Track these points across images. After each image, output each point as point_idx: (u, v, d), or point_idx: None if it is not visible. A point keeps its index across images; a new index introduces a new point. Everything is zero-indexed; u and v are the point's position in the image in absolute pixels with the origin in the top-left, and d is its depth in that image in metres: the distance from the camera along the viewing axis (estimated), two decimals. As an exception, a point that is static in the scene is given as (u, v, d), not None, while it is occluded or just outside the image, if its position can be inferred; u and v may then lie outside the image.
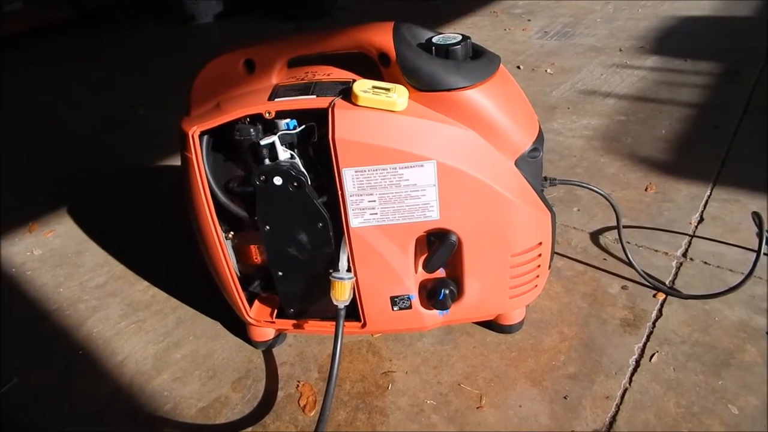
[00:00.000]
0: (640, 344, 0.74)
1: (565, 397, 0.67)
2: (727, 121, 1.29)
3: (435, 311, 0.70)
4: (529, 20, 2.27)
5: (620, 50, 1.83)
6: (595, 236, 0.96)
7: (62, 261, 1.03)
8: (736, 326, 0.75)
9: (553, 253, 0.73)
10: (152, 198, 1.22)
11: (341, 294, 0.64)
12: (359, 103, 0.57)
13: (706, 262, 0.87)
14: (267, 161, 0.61)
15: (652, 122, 1.33)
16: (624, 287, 0.84)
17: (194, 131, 0.61)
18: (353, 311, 0.69)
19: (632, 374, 0.69)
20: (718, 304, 0.78)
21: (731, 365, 0.69)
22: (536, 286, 0.72)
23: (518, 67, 1.76)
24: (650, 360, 0.71)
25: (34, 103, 1.90)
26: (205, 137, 0.62)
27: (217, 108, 0.62)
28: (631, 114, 1.38)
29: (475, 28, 2.24)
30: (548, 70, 1.72)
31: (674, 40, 1.88)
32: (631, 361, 0.71)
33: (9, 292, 0.97)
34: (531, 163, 0.63)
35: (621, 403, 0.66)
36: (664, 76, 1.59)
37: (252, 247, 0.70)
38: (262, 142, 0.59)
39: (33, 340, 0.85)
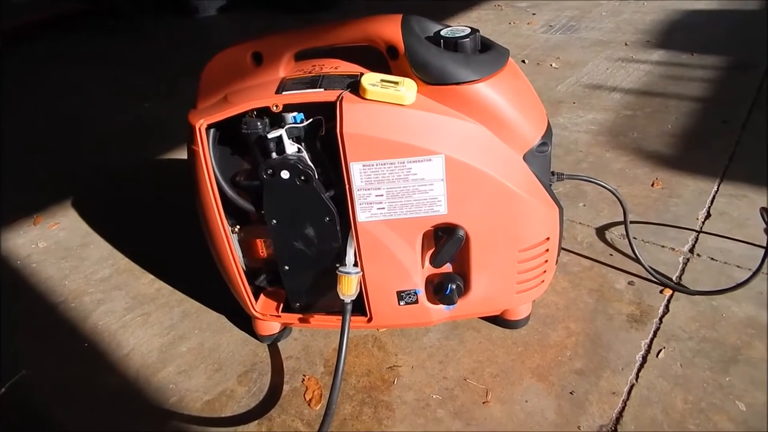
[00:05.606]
0: (647, 340, 0.73)
1: (571, 393, 0.67)
2: (735, 115, 1.28)
3: (441, 306, 0.70)
4: (534, 14, 2.25)
5: (626, 44, 1.81)
6: (601, 231, 0.95)
7: (67, 253, 1.03)
8: (744, 323, 0.74)
9: (560, 248, 0.72)
10: (158, 191, 1.22)
11: (348, 288, 0.64)
12: (367, 97, 0.56)
13: (713, 258, 0.87)
14: (274, 155, 0.60)
15: (659, 117, 1.32)
16: (630, 283, 0.84)
17: (201, 124, 0.60)
18: (359, 306, 0.69)
19: (639, 370, 0.69)
20: (726, 301, 0.78)
21: (739, 361, 0.69)
22: (543, 281, 0.71)
23: (523, 61, 1.75)
24: (657, 356, 0.71)
25: (40, 97, 1.90)
26: (212, 130, 0.62)
27: (224, 101, 0.61)
28: (638, 109, 1.37)
29: (479, 21, 2.22)
30: (553, 65, 1.71)
31: (681, 33, 1.86)
32: (638, 357, 0.71)
33: (14, 284, 0.97)
34: (539, 158, 0.63)
35: (628, 398, 0.66)
36: (671, 70, 1.58)
37: (258, 241, 0.69)
38: (270, 136, 0.59)
39: (39, 332, 0.85)
